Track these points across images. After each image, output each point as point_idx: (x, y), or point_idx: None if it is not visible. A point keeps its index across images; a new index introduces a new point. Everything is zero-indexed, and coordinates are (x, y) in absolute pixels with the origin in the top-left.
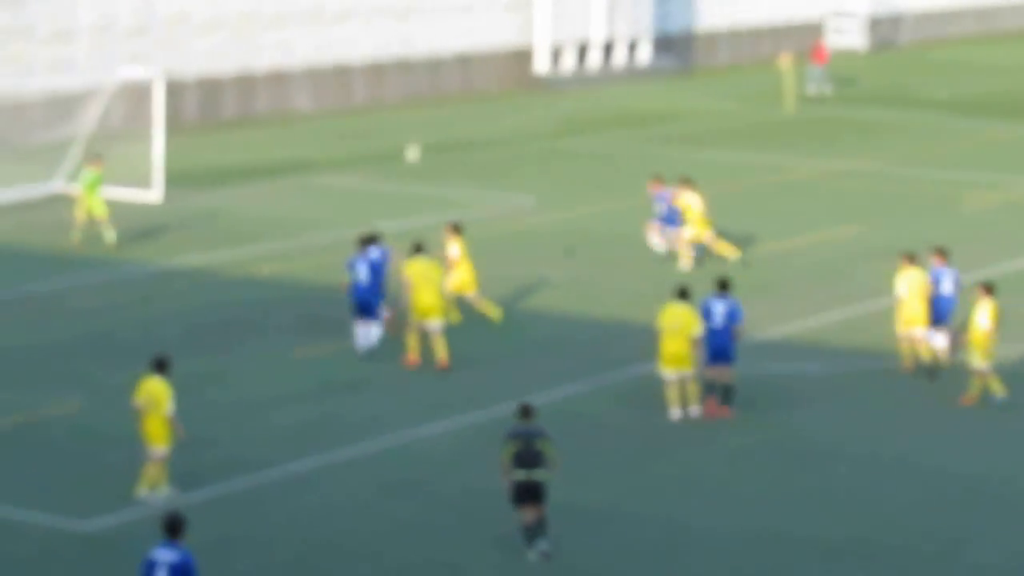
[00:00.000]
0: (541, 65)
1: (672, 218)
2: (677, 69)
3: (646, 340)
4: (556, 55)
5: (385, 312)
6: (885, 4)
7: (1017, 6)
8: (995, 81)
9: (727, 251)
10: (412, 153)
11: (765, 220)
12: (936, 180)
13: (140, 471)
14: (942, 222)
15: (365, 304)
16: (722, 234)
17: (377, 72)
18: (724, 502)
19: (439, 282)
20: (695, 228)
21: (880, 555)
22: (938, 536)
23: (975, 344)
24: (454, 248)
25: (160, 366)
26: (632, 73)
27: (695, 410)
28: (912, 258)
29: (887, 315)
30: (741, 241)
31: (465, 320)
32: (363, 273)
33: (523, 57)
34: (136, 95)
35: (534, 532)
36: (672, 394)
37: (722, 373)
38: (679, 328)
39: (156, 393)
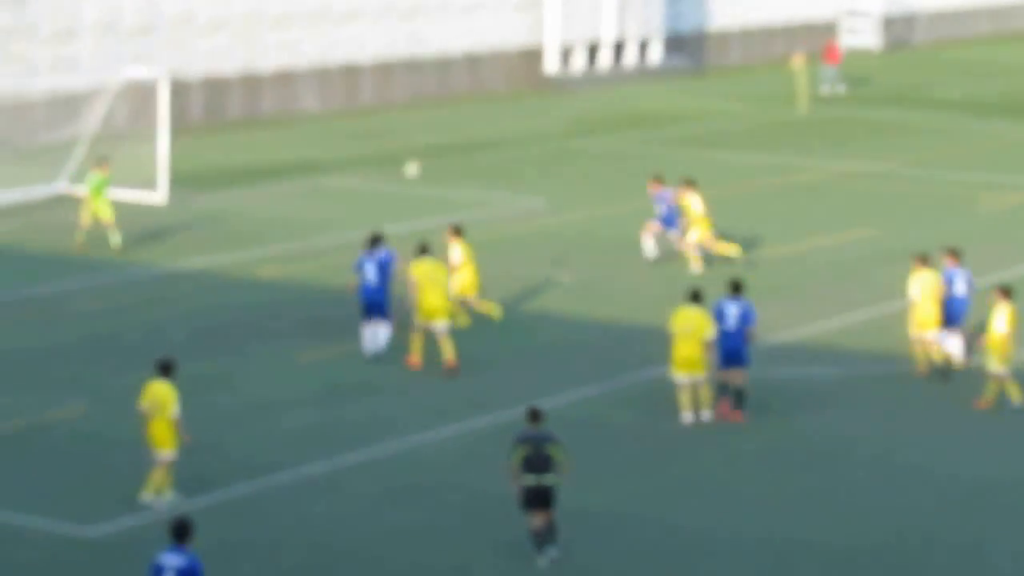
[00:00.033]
0: (551, 65)
1: (672, 219)
2: (689, 69)
3: (657, 343)
4: (566, 55)
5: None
6: (899, 3)
7: None
8: (1010, 81)
9: (728, 251)
10: (411, 169)
11: (777, 222)
12: (951, 181)
13: (146, 475)
14: (957, 224)
15: (374, 304)
16: (729, 235)
17: (385, 72)
18: (736, 507)
19: (445, 283)
20: (698, 230)
21: (894, 561)
22: (953, 542)
23: (992, 348)
24: (455, 251)
25: (165, 369)
26: (643, 73)
27: (707, 415)
28: (925, 260)
29: (901, 318)
30: (753, 243)
31: (473, 323)
32: (371, 273)
33: (533, 57)
34: (140, 95)
35: (543, 538)
36: (684, 398)
37: (735, 376)
38: (692, 332)
39: (162, 396)
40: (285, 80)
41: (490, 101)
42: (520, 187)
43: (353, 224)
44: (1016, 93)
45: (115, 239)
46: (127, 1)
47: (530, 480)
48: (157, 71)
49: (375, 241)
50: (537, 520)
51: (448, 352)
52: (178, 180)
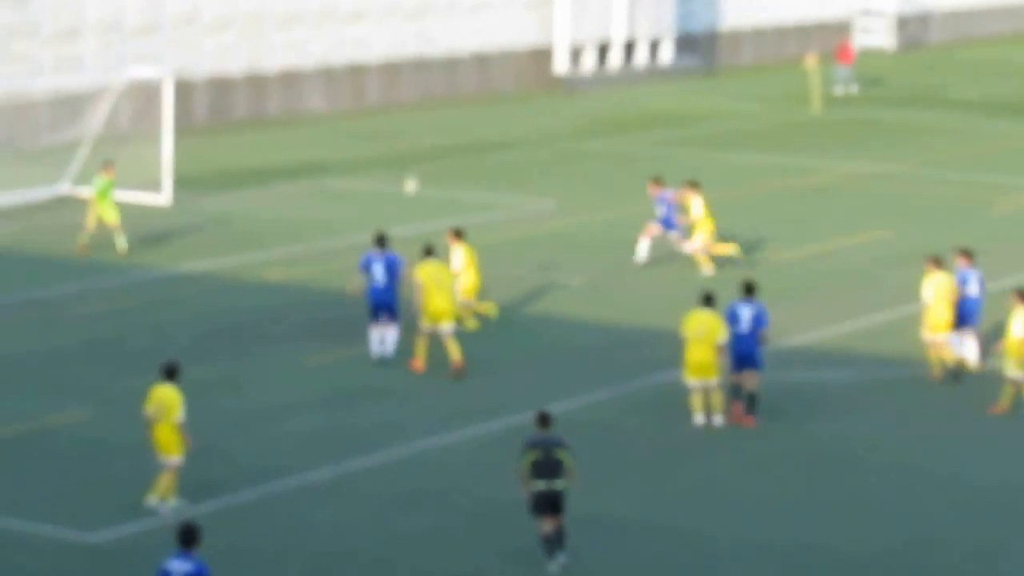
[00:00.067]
0: (561, 65)
1: (671, 221)
2: (700, 69)
3: (667, 347)
4: (576, 54)
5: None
6: (913, 3)
7: None
8: None
9: (727, 250)
10: (410, 186)
11: (790, 224)
12: (966, 183)
13: (153, 479)
14: (973, 226)
15: (383, 304)
16: (741, 238)
17: (392, 72)
18: (746, 512)
19: (450, 285)
20: (702, 232)
21: (907, 567)
22: (967, 548)
23: (1010, 353)
24: (456, 255)
25: (170, 373)
26: (654, 73)
27: (718, 419)
28: (938, 262)
29: (915, 321)
30: (765, 246)
31: (481, 328)
32: (380, 273)
33: (542, 56)
34: (144, 95)
35: (554, 543)
36: (696, 401)
37: (748, 379)
38: (704, 335)
39: (167, 401)
40: (291, 80)
41: (499, 101)
42: (529, 189)
43: (360, 226)
44: None
45: (121, 243)
46: (131, 0)
47: (540, 485)
48: (161, 71)
49: (382, 241)
50: (547, 525)
51: (454, 353)
52: (182, 181)
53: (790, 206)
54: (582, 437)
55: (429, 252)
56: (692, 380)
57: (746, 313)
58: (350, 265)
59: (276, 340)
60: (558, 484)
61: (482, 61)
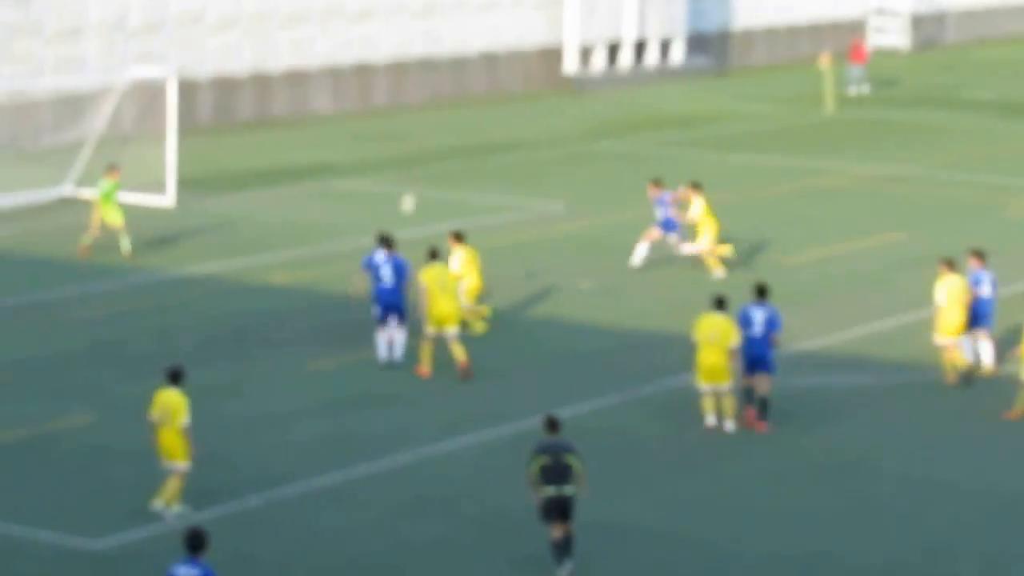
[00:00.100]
0: (570, 65)
1: (670, 224)
2: (712, 69)
3: (678, 351)
4: (586, 54)
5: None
6: (928, 2)
7: None
8: None
9: (722, 251)
10: (407, 204)
11: (802, 227)
12: (980, 184)
13: (160, 484)
14: (987, 228)
15: (392, 307)
16: (752, 240)
17: (399, 72)
18: (758, 520)
19: (455, 289)
20: (707, 234)
21: None
22: (981, 557)
23: None
24: (456, 257)
25: (175, 377)
26: (665, 73)
27: (729, 425)
28: (951, 264)
29: (929, 325)
30: (777, 249)
31: (490, 332)
32: (388, 275)
33: (552, 56)
34: (148, 96)
35: (562, 549)
36: (708, 404)
37: (760, 382)
38: (717, 339)
39: (172, 405)
40: (297, 80)
41: (508, 102)
42: (538, 190)
43: (367, 229)
44: None
45: (126, 245)
46: None
47: (549, 491)
48: (165, 71)
49: (389, 243)
50: (557, 531)
51: (459, 354)
52: (186, 183)
53: (801, 208)
54: (591, 443)
55: (434, 255)
56: (704, 385)
57: (759, 316)
58: (356, 268)
59: (280, 344)
60: (567, 490)
61: (491, 61)
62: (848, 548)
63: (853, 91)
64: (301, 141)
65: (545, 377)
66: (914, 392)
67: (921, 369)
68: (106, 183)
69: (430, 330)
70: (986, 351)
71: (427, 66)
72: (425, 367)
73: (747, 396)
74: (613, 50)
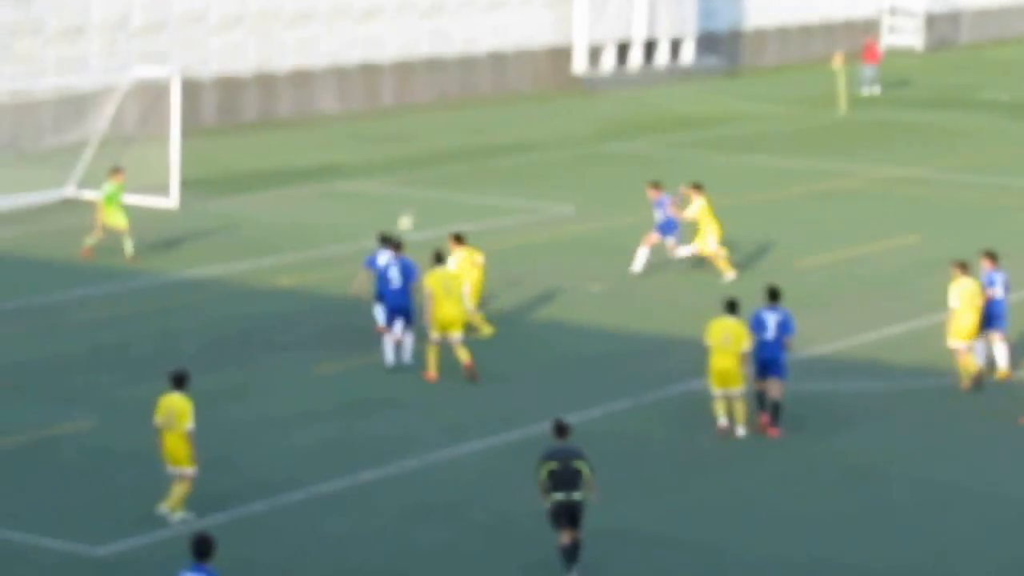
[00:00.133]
0: (579, 64)
1: (668, 227)
2: (723, 69)
3: (688, 355)
4: (595, 54)
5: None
6: (943, 1)
7: None
8: None
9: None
10: (404, 223)
11: (815, 229)
12: (996, 186)
13: (166, 489)
14: (1002, 231)
15: (400, 309)
16: (764, 243)
17: (406, 71)
18: (770, 527)
19: (460, 293)
20: (712, 236)
21: None
22: (996, 565)
23: None
24: (453, 259)
25: (179, 381)
26: (675, 73)
27: (741, 430)
28: (965, 267)
29: (943, 330)
30: (789, 252)
31: (498, 336)
32: (396, 276)
33: (561, 56)
34: (151, 96)
35: (571, 555)
36: (720, 407)
37: (773, 387)
38: (729, 343)
39: (177, 409)
40: (302, 80)
41: (516, 102)
42: (547, 192)
43: (373, 231)
44: None
45: (128, 247)
46: None
47: (558, 497)
48: (168, 70)
49: (398, 244)
50: (565, 537)
51: (464, 356)
52: (190, 184)
53: (813, 211)
54: (600, 448)
55: (440, 259)
56: (716, 389)
57: (772, 320)
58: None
59: (285, 348)
60: (576, 495)
61: (499, 60)
62: (860, 554)
63: (866, 92)
64: (306, 142)
65: (554, 381)
66: (927, 397)
67: (934, 374)
68: (110, 185)
69: (435, 334)
70: (1001, 354)
71: (434, 66)
72: (431, 372)
73: (759, 401)
74: (623, 50)
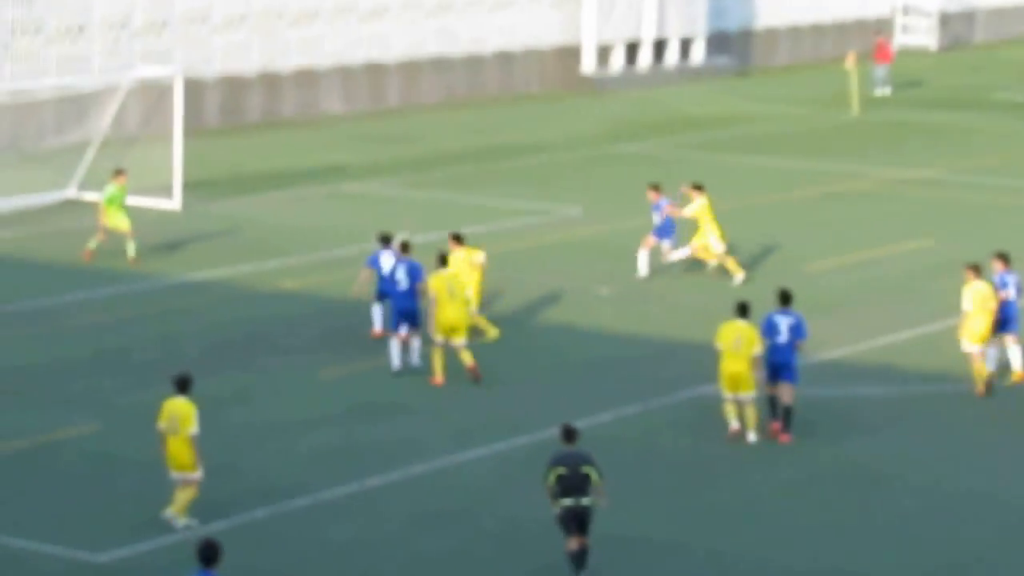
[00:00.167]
0: (588, 64)
1: (665, 230)
2: (733, 69)
3: (698, 360)
4: (604, 53)
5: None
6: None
7: None
8: None
9: (707, 256)
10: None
11: (826, 232)
12: (1012, 188)
13: (172, 495)
14: (1018, 233)
15: (406, 312)
16: (775, 247)
17: (412, 71)
18: (780, 534)
19: (463, 296)
20: (715, 238)
21: None
22: (1012, 574)
23: None
24: (451, 260)
25: (183, 385)
26: (685, 73)
27: (752, 436)
28: (978, 270)
29: (957, 334)
30: (800, 255)
31: (506, 340)
32: (403, 279)
33: (569, 55)
34: (153, 96)
35: (580, 560)
36: (731, 410)
37: (784, 391)
38: (740, 347)
39: (181, 414)
40: (306, 79)
41: (523, 102)
42: (556, 194)
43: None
44: None
45: (132, 249)
46: None
47: (568, 502)
48: (171, 70)
49: (405, 246)
50: (573, 543)
51: (467, 360)
52: (193, 185)
53: (825, 213)
54: (609, 453)
55: (444, 261)
56: (727, 394)
57: (784, 323)
58: (367, 273)
59: (290, 352)
60: (585, 501)
61: (506, 60)
62: (871, 562)
63: (879, 92)
64: (311, 142)
65: (562, 385)
66: (940, 402)
67: (948, 379)
68: (112, 187)
69: (438, 338)
70: (1016, 356)
71: (441, 65)
72: (438, 376)
73: (771, 406)
74: (632, 49)
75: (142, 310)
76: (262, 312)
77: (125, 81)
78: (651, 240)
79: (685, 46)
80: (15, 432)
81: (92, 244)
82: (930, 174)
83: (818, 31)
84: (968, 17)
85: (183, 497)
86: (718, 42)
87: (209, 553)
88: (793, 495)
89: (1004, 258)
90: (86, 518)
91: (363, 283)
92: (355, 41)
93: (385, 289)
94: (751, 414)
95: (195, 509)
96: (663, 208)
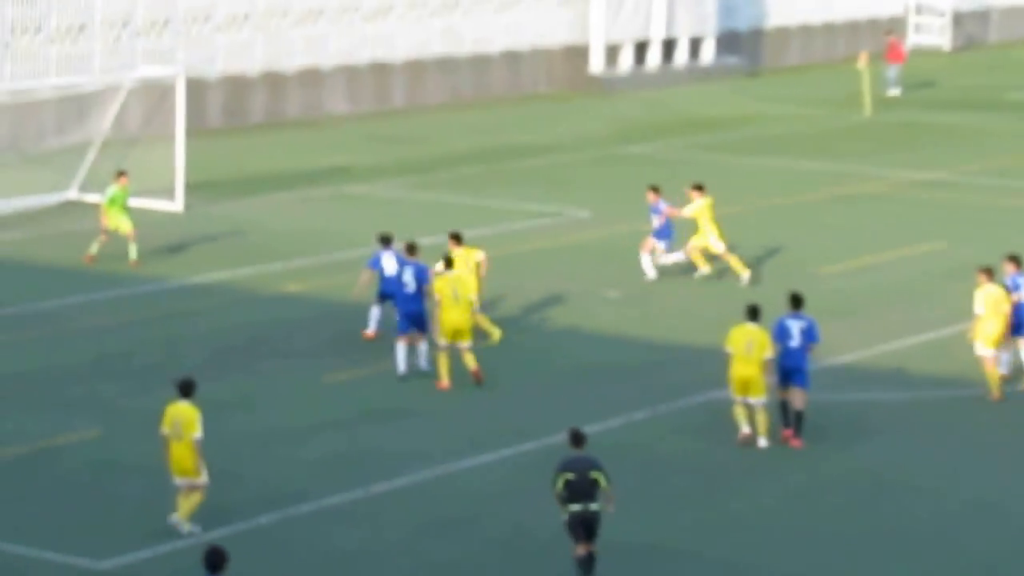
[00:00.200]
0: (596, 64)
1: (662, 232)
2: (743, 69)
3: (709, 365)
4: (613, 53)
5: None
6: None
7: None
8: None
9: (699, 261)
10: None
11: (838, 235)
12: None
13: (173, 500)
14: None
15: (414, 316)
16: (786, 249)
17: (418, 71)
18: (791, 542)
19: (468, 299)
20: (712, 235)
21: None
22: None
23: None
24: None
25: (186, 390)
26: (695, 73)
27: (763, 442)
28: (990, 273)
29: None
30: (811, 258)
31: (513, 344)
32: (410, 281)
33: (577, 55)
34: (155, 96)
35: (587, 567)
36: (741, 413)
37: (796, 396)
38: (752, 351)
39: (185, 419)
40: (310, 79)
41: (531, 102)
42: (563, 196)
43: None
44: None
45: (133, 252)
46: None
47: (575, 508)
48: (173, 70)
49: (413, 248)
50: (581, 549)
51: (471, 363)
52: (195, 187)
53: (837, 216)
54: (617, 459)
55: (449, 263)
56: (736, 396)
57: (796, 328)
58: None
59: (294, 356)
60: (593, 506)
61: (513, 60)
62: (884, 571)
63: (891, 93)
64: (315, 143)
65: (570, 390)
66: (955, 408)
67: (962, 384)
68: (115, 189)
69: (443, 341)
70: None
71: (447, 65)
72: (444, 380)
73: (783, 412)
74: (641, 49)
75: (144, 313)
76: (265, 315)
77: (127, 81)
78: (651, 242)
79: (695, 46)
80: (15, 437)
81: (94, 250)
82: (943, 176)
83: (830, 30)
84: (982, 16)
85: (189, 503)
86: (728, 42)
87: (215, 560)
88: (804, 501)
89: (1016, 260)
90: (87, 525)
91: (363, 285)
92: (360, 41)
93: (386, 291)
94: (762, 419)
95: (197, 516)
96: (662, 210)
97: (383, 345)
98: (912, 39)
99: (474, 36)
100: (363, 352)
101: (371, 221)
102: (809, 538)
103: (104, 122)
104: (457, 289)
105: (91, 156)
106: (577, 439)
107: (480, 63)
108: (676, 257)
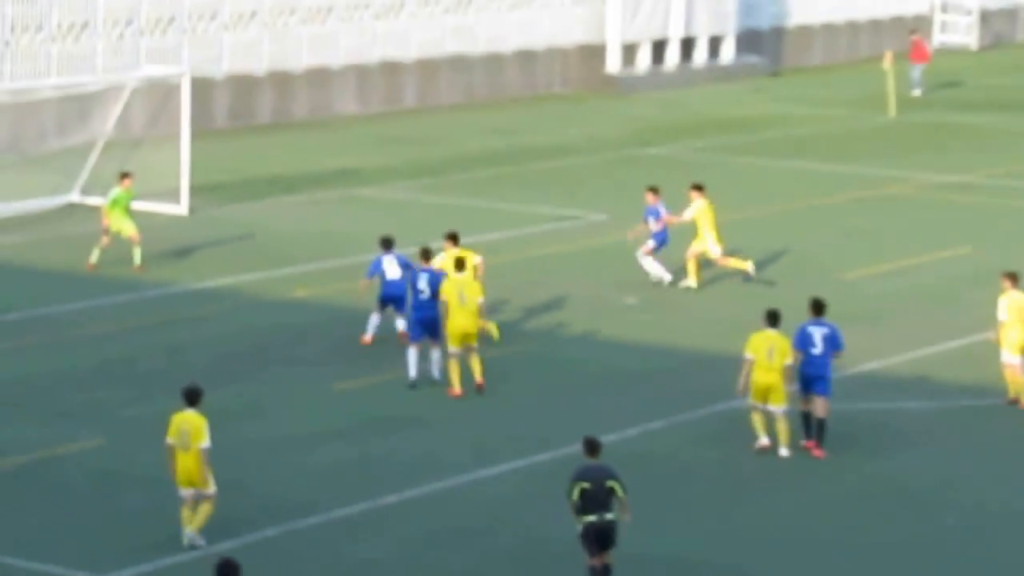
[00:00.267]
0: (613, 64)
1: (659, 236)
2: (765, 69)
3: (728, 372)
4: (630, 52)
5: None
6: None
7: None
8: None
9: (691, 268)
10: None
11: (862, 239)
12: None
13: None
14: None
15: (427, 322)
16: (808, 254)
17: (430, 70)
18: (813, 554)
19: (475, 303)
20: (710, 238)
21: None
22: None
23: None
24: (438, 258)
25: (192, 398)
26: (714, 73)
27: (784, 451)
28: (1015, 279)
29: (997, 346)
30: (834, 263)
31: (527, 350)
32: (425, 287)
33: (593, 54)
34: (160, 95)
35: None
36: (758, 421)
37: (819, 404)
38: (773, 357)
39: (192, 427)
40: (319, 79)
41: (545, 103)
42: (579, 199)
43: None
44: None
45: (137, 256)
46: None
47: (591, 518)
48: (178, 69)
49: (427, 253)
50: (596, 560)
51: (477, 372)
52: (201, 189)
53: (860, 219)
54: (635, 469)
55: (460, 266)
56: (757, 404)
57: (819, 335)
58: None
59: (301, 363)
60: (609, 516)
61: (527, 59)
62: None
63: (916, 93)
64: (324, 145)
65: (586, 398)
66: (982, 416)
67: (989, 392)
68: (118, 191)
69: (453, 348)
70: None
71: (459, 64)
72: (456, 388)
73: (805, 423)
74: (659, 48)
75: (148, 319)
76: (272, 321)
77: (130, 80)
78: (651, 244)
79: (714, 45)
80: (15, 447)
81: (94, 258)
82: (969, 179)
83: (853, 29)
84: (1011, 15)
85: (201, 514)
86: (749, 40)
87: (227, 572)
88: (827, 513)
89: None
90: (88, 537)
91: (363, 288)
92: (370, 39)
93: (388, 295)
94: (783, 428)
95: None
96: (661, 215)
97: (392, 352)
98: (938, 38)
99: (488, 35)
100: (372, 359)
101: (381, 225)
102: (832, 550)
103: (107, 123)
104: (464, 293)
105: (93, 158)
106: (592, 448)
107: (494, 62)
108: (655, 268)
